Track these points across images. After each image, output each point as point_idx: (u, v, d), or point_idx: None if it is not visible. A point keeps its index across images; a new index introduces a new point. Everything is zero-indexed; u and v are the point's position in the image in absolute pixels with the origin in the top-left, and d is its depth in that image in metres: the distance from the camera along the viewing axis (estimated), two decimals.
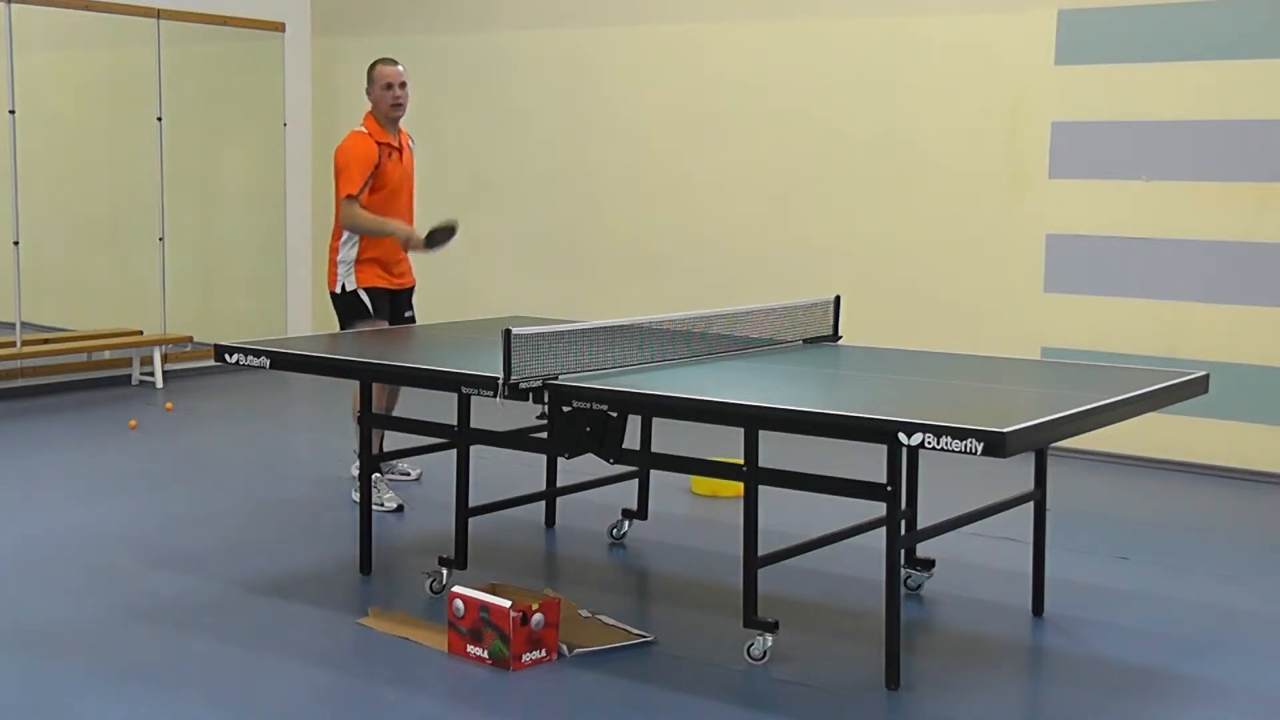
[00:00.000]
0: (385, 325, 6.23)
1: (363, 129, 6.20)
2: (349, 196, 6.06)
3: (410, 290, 6.47)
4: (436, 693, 4.11)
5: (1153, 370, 4.97)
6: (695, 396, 4.17)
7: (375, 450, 6.21)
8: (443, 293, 9.63)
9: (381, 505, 6.09)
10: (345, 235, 6.18)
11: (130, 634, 4.55)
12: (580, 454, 4.48)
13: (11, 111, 8.82)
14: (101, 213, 10.67)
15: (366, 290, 6.22)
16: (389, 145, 6.20)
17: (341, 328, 6.30)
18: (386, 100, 6.19)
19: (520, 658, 4.21)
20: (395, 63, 6.28)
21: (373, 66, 6.27)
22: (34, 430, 7.94)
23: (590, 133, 9.21)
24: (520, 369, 4.31)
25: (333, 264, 6.26)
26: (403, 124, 6.33)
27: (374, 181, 6.11)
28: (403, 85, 6.20)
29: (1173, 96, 7.17)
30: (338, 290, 6.25)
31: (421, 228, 6.19)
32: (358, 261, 6.20)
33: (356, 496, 6.19)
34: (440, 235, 6.08)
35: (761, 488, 4.23)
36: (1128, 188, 7.32)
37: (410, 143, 6.42)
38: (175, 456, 7.32)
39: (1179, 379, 4.66)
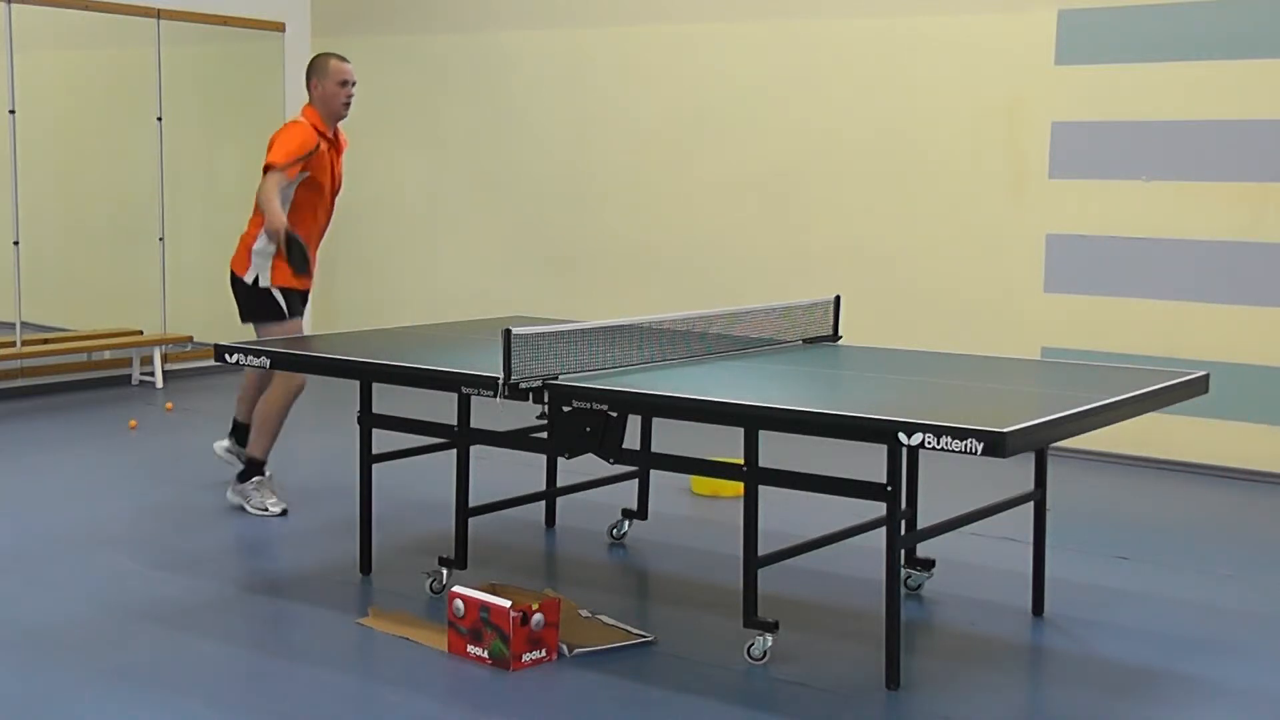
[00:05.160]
0: (300, 326, 6.07)
1: (302, 119, 5.94)
2: (270, 165, 5.72)
3: (308, 292, 6.19)
4: (436, 693, 4.11)
5: (1153, 370, 4.97)
6: (695, 396, 4.16)
7: (264, 454, 6.15)
8: (443, 293, 9.66)
9: (265, 510, 6.05)
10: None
11: (130, 634, 4.55)
12: (580, 454, 4.48)
13: (11, 111, 8.83)
14: (101, 213, 10.66)
15: (281, 290, 6.01)
16: (326, 138, 5.96)
17: (246, 320, 6.10)
18: (339, 97, 5.93)
19: (520, 658, 4.21)
20: (348, 60, 6.04)
21: (325, 60, 5.98)
22: (34, 430, 7.94)
23: (590, 132, 9.20)
24: (520, 369, 4.31)
25: (246, 249, 6.00)
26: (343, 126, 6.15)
27: (309, 169, 5.84)
28: (355, 84, 5.99)
29: (1173, 96, 7.17)
30: (248, 281, 6.00)
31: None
32: (275, 256, 5.88)
33: (233, 498, 6.15)
34: (295, 248, 5.69)
35: (761, 488, 4.24)
36: (1128, 188, 7.32)
37: (344, 143, 6.19)
38: (175, 456, 7.32)
39: (1179, 379, 4.66)
